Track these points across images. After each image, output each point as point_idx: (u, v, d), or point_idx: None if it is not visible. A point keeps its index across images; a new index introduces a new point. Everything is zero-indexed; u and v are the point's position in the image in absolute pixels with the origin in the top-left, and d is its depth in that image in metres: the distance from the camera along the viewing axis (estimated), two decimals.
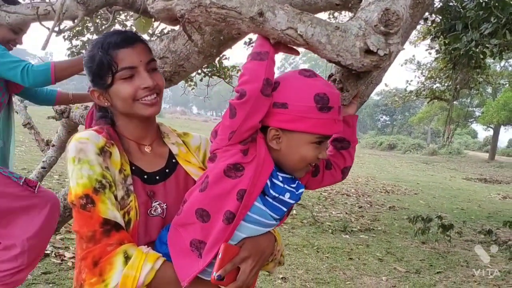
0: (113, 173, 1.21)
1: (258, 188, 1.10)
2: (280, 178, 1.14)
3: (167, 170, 1.34)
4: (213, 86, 8.80)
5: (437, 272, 4.84)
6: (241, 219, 1.11)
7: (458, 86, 10.33)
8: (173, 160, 1.37)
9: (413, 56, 14.38)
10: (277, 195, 1.13)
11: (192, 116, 67.71)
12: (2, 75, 2.15)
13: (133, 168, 1.28)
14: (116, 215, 1.17)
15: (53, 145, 4.03)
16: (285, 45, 1.09)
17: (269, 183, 1.12)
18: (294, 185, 1.17)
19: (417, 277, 4.63)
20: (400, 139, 40.38)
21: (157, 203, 1.28)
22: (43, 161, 3.97)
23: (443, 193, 12.98)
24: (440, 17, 7.17)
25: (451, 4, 6.81)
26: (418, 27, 9.26)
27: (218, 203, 1.11)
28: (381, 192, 11.93)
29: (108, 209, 1.16)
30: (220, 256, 1.09)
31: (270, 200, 1.14)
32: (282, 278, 4.25)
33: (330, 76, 1.22)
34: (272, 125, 1.10)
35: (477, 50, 6.78)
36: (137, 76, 1.24)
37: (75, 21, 1.19)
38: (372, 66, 1.06)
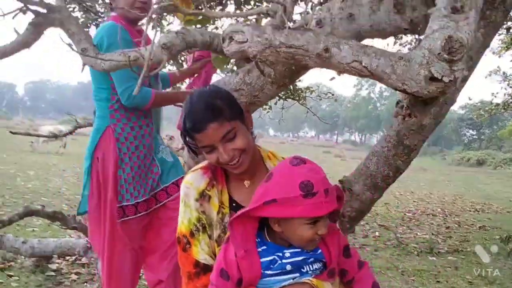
0: (210, 215, 1.42)
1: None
2: (288, 254, 1.32)
3: None
4: (288, 108, 8.92)
5: None
6: None
7: None
8: None
9: (498, 67, 13.62)
10: (289, 261, 1.32)
11: (269, 139, 68.31)
12: (112, 77, 2.19)
13: (234, 204, 1.45)
14: (205, 257, 1.40)
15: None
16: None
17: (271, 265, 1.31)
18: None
19: None
20: (489, 154, 38.05)
21: None
22: None
23: None
24: None
25: None
26: (502, 36, 8.84)
27: None
28: (470, 211, 11.32)
29: (199, 252, 1.40)
30: None
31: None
32: None
33: (398, 103, 1.26)
34: (269, 218, 1.28)
35: None
36: (216, 150, 1.39)
37: (160, 64, 1.33)
38: (438, 92, 1.10)
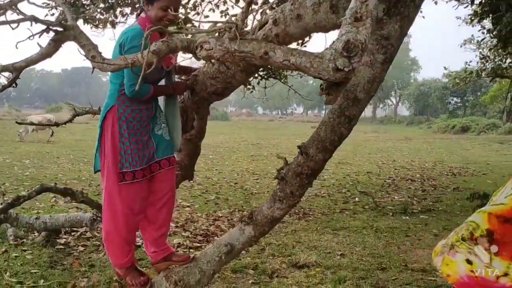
0: None
1: None
2: None
3: None
4: (270, 87, 9.40)
5: None
6: None
7: None
8: None
9: (472, 35, 14.13)
10: None
11: (258, 117, 68.84)
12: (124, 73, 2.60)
13: None
14: None
15: None
16: None
17: None
18: None
19: None
20: (473, 121, 38.84)
21: None
22: None
23: None
24: None
25: None
26: (474, 6, 9.34)
27: None
28: (448, 175, 11.96)
29: None
30: None
31: None
32: (340, 254, 4.76)
33: (321, 85, 1.77)
34: None
35: None
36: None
37: (152, 66, 1.82)
38: (343, 78, 1.61)
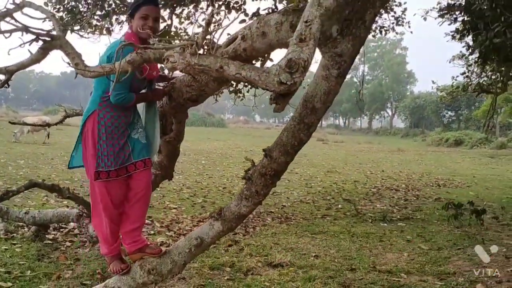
0: None
1: None
2: None
3: None
4: (260, 95, 9.66)
5: (458, 249, 5.39)
6: None
7: (504, 78, 10.56)
8: None
9: (460, 51, 14.45)
10: None
11: (255, 125, 69.18)
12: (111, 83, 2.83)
13: None
14: None
15: None
16: None
17: None
18: None
19: (436, 252, 5.23)
20: (467, 134, 39.21)
21: None
22: None
23: (498, 184, 13.00)
24: (467, 16, 7.66)
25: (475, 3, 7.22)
26: (458, 24, 9.67)
27: None
28: (432, 186, 12.22)
29: None
30: None
31: None
32: (314, 255, 5.03)
33: (270, 96, 2.04)
34: None
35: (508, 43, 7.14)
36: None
37: (127, 74, 2.09)
38: (286, 90, 1.88)
